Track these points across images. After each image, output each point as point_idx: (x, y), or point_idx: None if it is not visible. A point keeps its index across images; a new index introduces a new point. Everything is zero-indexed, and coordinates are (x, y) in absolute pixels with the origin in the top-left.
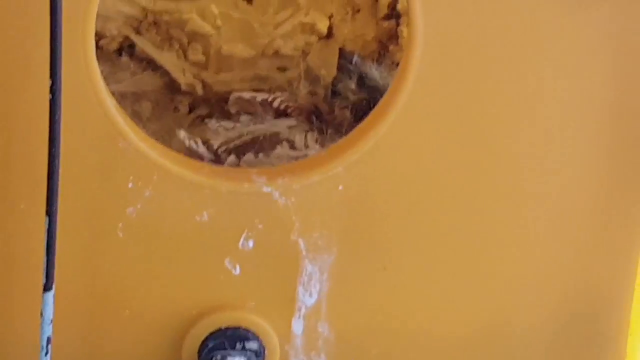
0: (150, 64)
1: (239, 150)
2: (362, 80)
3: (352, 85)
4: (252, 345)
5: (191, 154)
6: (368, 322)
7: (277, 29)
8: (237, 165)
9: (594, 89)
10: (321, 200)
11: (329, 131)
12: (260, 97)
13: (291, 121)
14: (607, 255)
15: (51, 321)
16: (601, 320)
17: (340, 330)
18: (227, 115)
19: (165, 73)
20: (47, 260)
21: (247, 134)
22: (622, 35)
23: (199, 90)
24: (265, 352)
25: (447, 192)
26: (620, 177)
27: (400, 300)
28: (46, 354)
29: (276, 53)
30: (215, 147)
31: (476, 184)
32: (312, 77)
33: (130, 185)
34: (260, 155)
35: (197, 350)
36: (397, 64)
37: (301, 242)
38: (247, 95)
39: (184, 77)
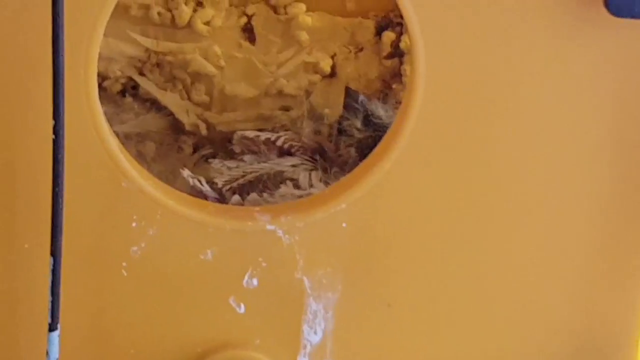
0: (154, 105)
1: (243, 189)
2: (368, 119)
3: (358, 123)
4: None
5: (195, 193)
6: (373, 359)
7: (280, 69)
8: (242, 204)
9: (601, 124)
10: (325, 237)
11: (334, 169)
12: (263, 136)
13: (295, 160)
14: (613, 289)
15: None
16: (607, 356)
17: None
18: (231, 155)
19: (169, 113)
20: (52, 300)
21: (251, 173)
22: (626, 63)
23: (203, 130)
24: None
25: (451, 229)
26: (628, 210)
27: (405, 337)
28: None
29: (280, 92)
30: (219, 185)
31: (480, 221)
32: (315, 116)
33: (134, 224)
34: (265, 194)
35: None
36: (400, 102)
37: (305, 280)
38: (250, 134)
39: (187, 118)
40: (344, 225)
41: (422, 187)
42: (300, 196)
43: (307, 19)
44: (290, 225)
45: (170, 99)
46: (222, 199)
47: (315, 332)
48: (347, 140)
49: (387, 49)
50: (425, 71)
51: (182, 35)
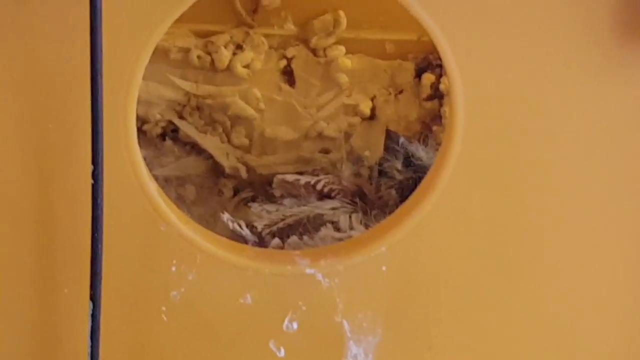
0: (194, 148)
1: (283, 233)
2: (408, 160)
3: (399, 165)
4: None
5: (235, 237)
6: None
7: (320, 111)
8: (282, 247)
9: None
10: (365, 281)
11: (374, 212)
12: (303, 179)
13: (335, 203)
14: None
15: None
16: None
17: None
18: (271, 198)
19: (209, 157)
20: (92, 346)
21: (290, 216)
22: None
23: (243, 173)
24: None
25: (492, 270)
26: None
27: None
28: None
29: (319, 135)
30: (259, 229)
31: (521, 261)
32: (355, 159)
33: (173, 268)
34: (305, 237)
35: None
36: (440, 144)
37: (345, 324)
38: (290, 177)
39: (227, 161)
40: (384, 268)
41: (463, 228)
42: (341, 239)
43: (347, 62)
44: (330, 268)
45: (210, 142)
46: (261, 242)
47: None
48: (387, 182)
49: (426, 91)
50: (464, 113)
51: (221, 78)
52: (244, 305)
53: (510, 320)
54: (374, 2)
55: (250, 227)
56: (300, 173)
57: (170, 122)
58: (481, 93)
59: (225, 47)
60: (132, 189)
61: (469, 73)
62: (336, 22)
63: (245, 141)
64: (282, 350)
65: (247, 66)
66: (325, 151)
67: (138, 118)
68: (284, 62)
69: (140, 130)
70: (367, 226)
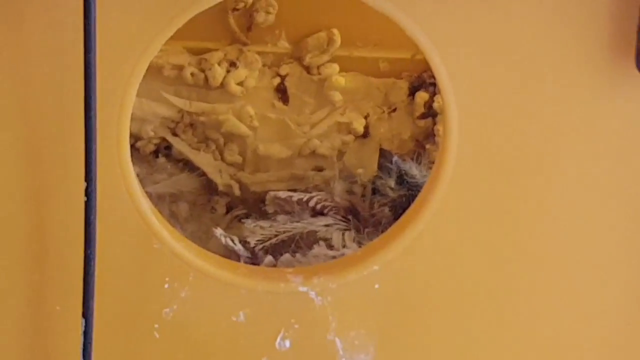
0: (187, 165)
1: (276, 250)
2: (401, 178)
3: (392, 183)
4: None
5: (228, 252)
6: None
7: (313, 129)
8: (274, 265)
9: (635, 182)
10: (357, 299)
11: (367, 229)
12: (296, 196)
13: (328, 220)
14: None
15: None
16: None
17: None
18: (264, 215)
19: (202, 174)
20: None
21: (284, 233)
22: None
23: (236, 190)
24: None
25: (484, 289)
26: None
27: None
28: None
29: (313, 153)
30: (251, 245)
31: (514, 281)
32: (348, 176)
33: (166, 286)
34: (298, 254)
35: None
36: (434, 162)
37: (338, 342)
38: (283, 194)
39: (220, 178)
40: (376, 286)
41: (456, 247)
42: (334, 257)
43: (341, 80)
44: (322, 286)
45: (204, 159)
46: (254, 258)
47: None
48: (380, 199)
49: (420, 109)
50: (458, 131)
51: (215, 96)
52: (237, 323)
53: (505, 339)
54: (368, 21)
55: (243, 242)
56: (294, 190)
57: (164, 139)
58: (474, 111)
59: (219, 64)
60: (125, 206)
61: (463, 92)
62: (330, 40)
63: (239, 158)
64: None
65: (240, 83)
66: (319, 169)
67: (131, 135)
68: (277, 80)
69: (133, 148)
70: (360, 244)
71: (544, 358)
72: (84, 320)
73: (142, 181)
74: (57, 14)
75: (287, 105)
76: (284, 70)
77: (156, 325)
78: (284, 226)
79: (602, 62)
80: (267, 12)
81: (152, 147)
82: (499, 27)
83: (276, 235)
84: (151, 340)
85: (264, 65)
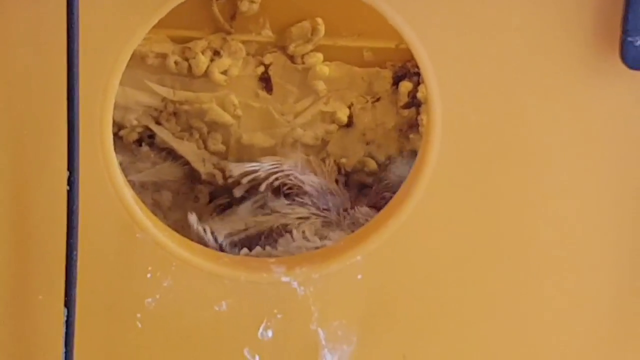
0: (171, 154)
1: (245, 244)
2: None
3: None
4: None
5: (200, 240)
6: None
7: (297, 118)
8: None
9: (615, 174)
10: (340, 289)
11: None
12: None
13: (303, 211)
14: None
15: None
16: None
17: None
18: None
19: (186, 163)
20: (66, 352)
21: (254, 226)
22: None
23: (219, 179)
24: None
25: (467, 280)
26: None
27: None
28: None
29: (296, 142)
30: (220, 240)
31: (497, 273)
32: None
33: (148, 275)
34: (268, 248)
35: None
36: (417, 152)
37: (320, 332)
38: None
39: (204, 167)
40: (359, 277)
41: (439, 237)
42: (316, 247)
43: (325, 69)
44: (305, 276)
45: (187, 148)
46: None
47: None
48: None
49: (404, 98)
50: (441, 121)
51: (199, 85)
52: (219, 313)
53: (486, 330)
54: (352, 10)
55: (214, 236)
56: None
57: (147, 128)
58: (459, 101)
59: (203, 53)
60: (107, 195)
61: (447, 81)
62: (314, 29)
63: (222, 147)
64: (257, 358)
65: (224, 72)
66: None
67: (114, 123)
68: (261, 69)
69: (116, 136)
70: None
71: (530, 347)
72: (66, 310)
73: (125, 170)
74: (39, 2)
75: (270, 94)
76: (267, 59)
77: (138, 315)
78: (255, 219)
79: (587, 54)
80: (251, 1)
81: (135, 136)
82: (483, 17)
83: (245, 230)
84: (133, 330)
85: (247, 54)
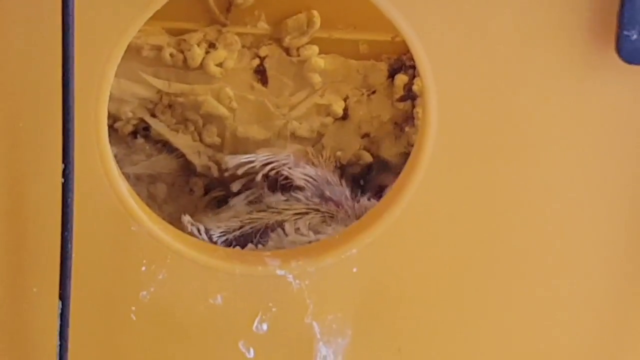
0: (166, 146)
1: (239, 242)
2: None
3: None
4: None
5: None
6: None
7: (292, 111)
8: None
9: (612, 169)
10: (335, 282)
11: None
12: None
13: (300, 207)
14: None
15: None
16: None
17: None
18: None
19: (181, 155)
20: (60, 344)
21: (248, 224)
22: (637, 110)
23: (215, 172)
24: None
25: (462, 274)
26: None
27: None
28: None
29: (292, 135)
30: (214, 239)
31: (492, 266)
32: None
33: (143, 268)
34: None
35: None
36: (413, 145)
37: (315, 325)
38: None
39: (199, 159)
40: (354, 270)
41: (434, 231)
42: (310, 241)
43: (320, 62)
44: (300, 270)
45: (182, 141)
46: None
47: None
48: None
49: (399, 91)
50: (437, 114)
51: (194, 77)
52: (214, 306)
53: (480, 323)
54: (347, 2)
55: (209, 235)
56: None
57: (142, 120)
58: (454, 94)
59: (198, 45)
60: (102, 188)
61: (442, 74)
62: (310, 22)
63: (217, 140)
64: (252, 351)
65: (219, 65)
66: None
67: (109, 116)
68: (256, 61)
69: (111, 128)
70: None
71: (524, 341)
72: (60, 303)
73: (120, 162)
74: None
75: (266, 86)
76: (263, 51)
77: (133, 308)
78: (250, 216)
79: (583, 48)
80: None
81: (130, 128)
82: (479, 10)
83: (240, 227)
84: (128, 323)
85: (243, 47)
